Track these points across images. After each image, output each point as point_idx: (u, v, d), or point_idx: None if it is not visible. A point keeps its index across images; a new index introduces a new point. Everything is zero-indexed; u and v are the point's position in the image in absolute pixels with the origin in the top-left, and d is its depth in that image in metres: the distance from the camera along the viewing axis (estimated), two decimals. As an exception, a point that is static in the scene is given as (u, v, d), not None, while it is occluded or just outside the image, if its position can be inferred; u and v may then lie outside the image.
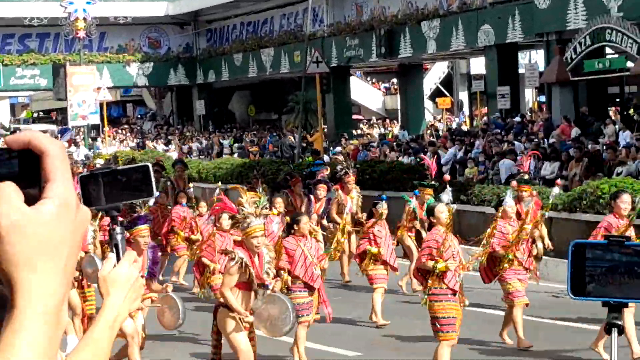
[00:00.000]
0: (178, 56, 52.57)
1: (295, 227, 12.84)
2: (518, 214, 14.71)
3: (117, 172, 3.11)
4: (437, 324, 11.28)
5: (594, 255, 2.96)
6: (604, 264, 2.95)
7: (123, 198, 3.17)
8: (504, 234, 13.44)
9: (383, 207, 15.59)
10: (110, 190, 3.13)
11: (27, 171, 1.57)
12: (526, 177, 17.53)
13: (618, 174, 21.78)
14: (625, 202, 12.69)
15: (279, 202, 16.94)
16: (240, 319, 10.36)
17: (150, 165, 3.22)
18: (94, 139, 45.23)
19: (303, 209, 17.94)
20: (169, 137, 48.14)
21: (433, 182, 18.00)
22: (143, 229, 11.67)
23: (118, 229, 3.10)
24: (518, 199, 15.42)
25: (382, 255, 15.39)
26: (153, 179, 3.12)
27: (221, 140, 44.47)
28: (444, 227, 11.59)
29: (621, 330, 3.00)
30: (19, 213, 1.52)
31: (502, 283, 13.36)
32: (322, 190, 19.33)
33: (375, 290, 15.22)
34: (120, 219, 3.33)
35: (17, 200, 1.53)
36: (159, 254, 13.35)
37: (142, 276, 10.10)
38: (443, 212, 11.58)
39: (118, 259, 3.09)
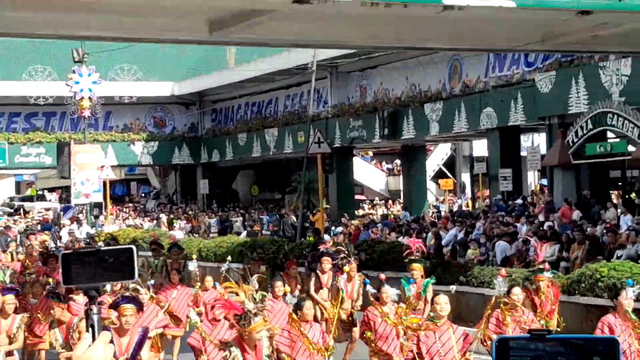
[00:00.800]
0: (183, 135, 52.87)
1: (299, 312, 12.75)
2: (534, 305, 14.72)
3: (100, 252, 3.10)
4: None
5: (518, 350, 2.94)
6: (527, 357, 2.93)
7: (104, 279, 3.15)
8: (500, 321, 13.14)
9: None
10: (92, 270, 3.11)
11: None
12: (542, 266, 17.22)
13: (618, 257, 21.72)
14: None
15: (279, 285, 16.75)
16: None
17: (134, 248, 3.21)
18: (97, 217, 45.27)
19: (297, 292, 17.77)
20: (171, 215, 48.13)
21: (421, 259, 17.87)
22: (128, 309, 11.60)
23: (95, 309, 3.08)
24: (535, 290, 15.33)
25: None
26: (136, 262, 3.11)
27: (232, 219, 44.47)
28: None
29: None
30: None
31: None
32: (326, 263, 19.21)
33: None
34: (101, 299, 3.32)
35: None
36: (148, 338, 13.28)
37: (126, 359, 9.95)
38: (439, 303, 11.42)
39: (93, 339, 3.07)
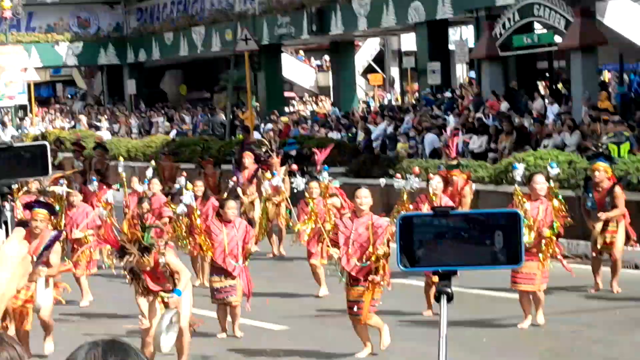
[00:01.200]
0: (108, 35, 51.97)
1: (221, 211, 12.97)
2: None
3: (12, 149, 3.00)
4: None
5: (422, 227, 2.98)
6: (431, 234, 2.97)
7: (16, 175, 3.05)
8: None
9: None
10: (3, 167, 3.01)
11: None
12: (454, 162, 17.40)
13: (545, 147, 21.95)
14: (538, 182, 12.80)
15: (199, 185, 16.78)
16: None
17: (47, 144, 3.11)
18: (22, 119, 44.61)
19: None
20: (99, 116, 47.57)
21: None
22: (40, 213, 11.57)
23: (8, 206, 3.01)
24: (447, 183, 15.44)
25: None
26: (49, 158, 3.01)
27: (152, 120, 44.05)
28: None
29: (450, 298, 3.01)
30: None
31: None
32: (248, 159, 19.32)
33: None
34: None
35: None
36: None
37: (31, 261, 9.87)
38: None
39: (7, 235, 2.98)
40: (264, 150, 19.26)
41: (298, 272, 17.11)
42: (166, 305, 10.56)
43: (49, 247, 11.41)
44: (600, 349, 11.67)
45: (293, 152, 23.74)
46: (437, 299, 3.03)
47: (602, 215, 14.21)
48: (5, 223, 3.02)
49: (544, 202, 12.74)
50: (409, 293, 14.46)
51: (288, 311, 14.44)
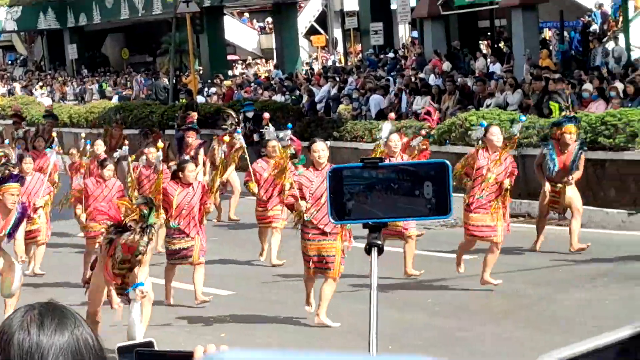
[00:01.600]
0: (47, -1, 51.26)
1: (180, 174, 13.08)
2: None
3: None
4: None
5: (351, 179, 2.98)
6: (361, 186, 2.98)
7: None
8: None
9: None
10: None
11: None
12: (433, 131, 17.34)
13: (487, 106, 22.06)
14: (494, 134, 12.81)
15: (152, 152, 16.76)
16: None
17: None
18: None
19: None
20: (40, 82, 47.01)
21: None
22: (13, 187, 11.38)
23: None
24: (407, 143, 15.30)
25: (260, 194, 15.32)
26: None
27: (89, 87, 43.61)
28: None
29: (381, 250, 3.02)
30: None
31: None
32: (192, 138, 19.41)
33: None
34: None
35: None
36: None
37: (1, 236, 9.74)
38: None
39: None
40: (229, 122, 19.17)
41: (244, 237, 17.14)
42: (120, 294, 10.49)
43: (20, 220, 11.30)
44: (545, 306, 11.83)
45: (250, 114, 23.89)
46: (368, 252, 3.03)
47: (571, 179, 14.19)
48: None
49: (504, 154, 12.73)
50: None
51: (235, 276, 14.47)
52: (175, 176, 13.21)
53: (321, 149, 11.59)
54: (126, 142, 18.70)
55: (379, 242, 3.01)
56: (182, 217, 12.81)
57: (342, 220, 3.03)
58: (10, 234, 11.44)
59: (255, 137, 19.25)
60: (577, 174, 14.35)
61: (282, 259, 14.85)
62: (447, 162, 2.93)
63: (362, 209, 2.98)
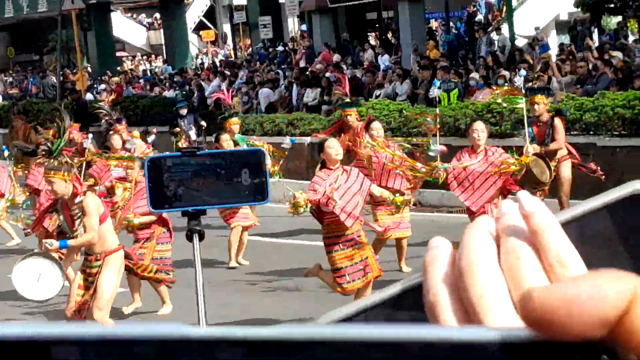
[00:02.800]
0: None
1: None
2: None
3: None
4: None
5: (170, 168, 3.03)
6: (180, 175, 3.02)
7: None
8: None
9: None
10: None
11: None
12: (348, 99, 17.01)
13: (377, 97, 22.29)
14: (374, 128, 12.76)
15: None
16: None
17: None
18: None
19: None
20: None
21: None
22: None
23: None
24: (344, 124, 15.07)
25: None
26: None
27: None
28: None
29: (202, 236, 3.08)
30: None
31: None
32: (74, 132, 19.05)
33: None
34: None
35: None
36: None
37: None
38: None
39: None
40: (107, 119, 18.76)
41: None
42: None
43: None
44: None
45: (184, 111, 22.75)
46: (190, 239, 3.07)
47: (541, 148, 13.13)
48: None
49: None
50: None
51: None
52: None
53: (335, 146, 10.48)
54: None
55: (199, 229, 3.07)
56: None
57: (161, 209, 3.07)
58: None
59: (192, 135, 18.77)
60: (553, 146, 13.34)
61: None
62: (263, 149, 2.99)
63: (183, 196, 3.02)
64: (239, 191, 2.99)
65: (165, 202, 3.01)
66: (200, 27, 48.58)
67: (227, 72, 30.38)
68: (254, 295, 12.21)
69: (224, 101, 18.44)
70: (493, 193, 11.71)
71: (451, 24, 30.14)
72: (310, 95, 25.07)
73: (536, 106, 13.49)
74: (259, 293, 12.27)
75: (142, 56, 49.35)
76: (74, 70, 38.46)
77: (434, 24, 34.33)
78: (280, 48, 32.48)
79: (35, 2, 43.46)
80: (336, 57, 28.07)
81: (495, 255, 0.60)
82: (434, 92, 12.95)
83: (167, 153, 2.92)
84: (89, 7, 34.54)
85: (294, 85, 26.09)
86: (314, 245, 13.62)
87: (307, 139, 17.15)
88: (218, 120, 17.16)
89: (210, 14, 49.42)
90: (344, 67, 26.17)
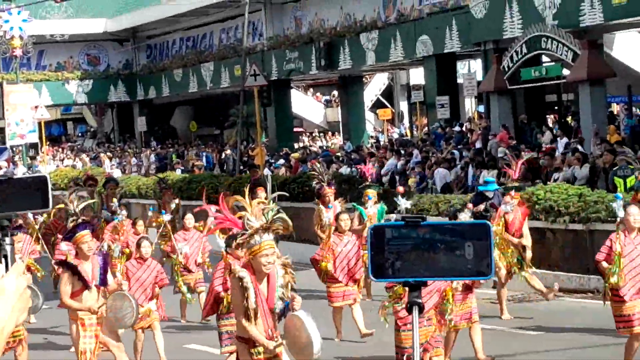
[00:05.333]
0: (118, 73, 52.22)
1: (135, 250, 13.67)
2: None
3: (12, 181, 2.95)
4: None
5: (393, 237, 2.97)
6: (402, 244, 2.96)
7: (16, 207, 3.00)
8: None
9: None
10: (4, 199, 2.96)
11: None
12: (515, 184, 16.75)
13: (555, 180, 21.91)
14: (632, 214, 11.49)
15: (188, 217, 17.22)
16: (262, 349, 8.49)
17: (47, 176, 3.08)
18: (33, 158, 44.74)
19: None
20: (109, 154, 47.71)
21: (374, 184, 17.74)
22: (85, 235, 11.30)
23: (8, 239, 2.96)
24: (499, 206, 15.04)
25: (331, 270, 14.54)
26: (50, 191, 2.98)
27: (151, 157, 44.07)
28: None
29: (421, 309, 3.00)
30: None
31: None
32: (261, 193, 19.05)
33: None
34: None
35: None
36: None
37: (95, 286, 9.87)
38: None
39: (7, 269, 2.94)
40: (315, 182, 18.89)
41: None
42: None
43: (105, 267, 11.39)
44: None
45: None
46: (409, 310, 3.01)
47: None
48: (5, 257, 2.98)
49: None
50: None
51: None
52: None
53: (346, 218, 12.10)
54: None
55: (420, 301, 3.01)
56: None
57: (383, 279, 3.03)
58: (104, 283, 11.37)
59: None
60: None
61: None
62: (489, 222, 2.90)
63: (403, 267, 2.98)
64: (461, 265, 2.94)
65: (386, 271, 2.99)
66: (377, 105, 49.05)
67: (402, 151, 30.46)
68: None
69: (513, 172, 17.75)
70: None
71: (634, 108, 29.50)
72: (487, 176, 24.82)
73: None
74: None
75: (319, 132, 50.10)
76: (252, 145, 39.31)
77: (615, 107, 33.69)
78: (456, 128, 32.40)
79: (218, 78, 44.83)
80: (513, 139, 27.79)
81: None
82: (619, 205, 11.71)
83: (391, 222, 2.90)
84: (269, 84, 35.34)
85: (470, 166, 25.93)
86: None
87: (393, 216, 16.88)
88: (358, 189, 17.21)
89: (387, 92, 49.88)
90: (521, 149, 25.87)
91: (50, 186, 3.03)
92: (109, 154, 47.50)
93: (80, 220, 12.50)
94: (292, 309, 8.24)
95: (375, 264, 2.99)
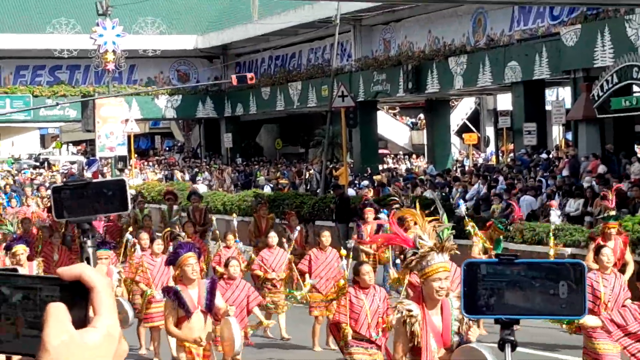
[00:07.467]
0: (207, 89, 52.84)
1: (224, 269, 13.13)
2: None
3: (91, 185, 3.04)
4: None
5: (486, 274, 3.01)
6: (495, 281, 3.00)
7: (96, 211, 3.09)
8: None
9: None
10: (83, 203, 3.05)
11: (75, 300, 1.68)
12: (612, 212, 16.46)
13: (643, 212, 21.64)
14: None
15: (272, 235, 17.30)
16: None
17: (125, 179, 3.18)
18: (121, 170, 45.46)
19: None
20: (196, 169, 48.27)
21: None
22: (189, 257, 10.59)
23: (89, 242, 3.01)
24: (604, 237, 15.04)
25: None
26: (129, 194, 3.07)
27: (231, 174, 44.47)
28: None
29: (514, 346, 3.04)
30: (67, 335, 1.64)
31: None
32: (369, 214, 19.14)
33: None
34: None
35: (67, 322, 1.65)
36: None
37: (202, 311, 9.48)
38: None
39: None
40: (395, 205, 18.92)
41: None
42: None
43: (212, 291, 10.73)
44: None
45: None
46: (501, 348, 3.06)
47: None
48: (87, 259, 3.06)
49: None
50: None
51: None
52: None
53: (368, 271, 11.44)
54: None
55: (512, 339, 3.06)
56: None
57: (475, 315, 3.08)
58: (209, 308, 10.73)
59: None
60: None
61: None
62: (583, 262, 2.95)
63: (496, 303, 3.03)
64: (555, 304, 2.99)
65: (478, 307, 3.05)
66: (463, 129, 48.91)
67: (487, 177, 30.32)
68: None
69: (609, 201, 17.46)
70: None
71: None
72: (573, 206, 24.65)
73: None
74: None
75: (403, 155, 50.09)
76: (337, 165, 39.46)
77: None
78: (543, 155, 32.16)
79: (305, 97, 45.11)
80: (601, 168, 27.51)
81: None
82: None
83: (484, 259, 2.96)
84: (356, 105, 35.48)
85: (557, 194, 25.73)
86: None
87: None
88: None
89: (474, 117, 49.72)
90: (609, 179, 25.61)
91: (128, 188, 3.12)
92: (182, 170, 47.96)
93: (185, 241, 12.29)
94: (467, 340, 7.37)
95: (468, 300, 3.05)
